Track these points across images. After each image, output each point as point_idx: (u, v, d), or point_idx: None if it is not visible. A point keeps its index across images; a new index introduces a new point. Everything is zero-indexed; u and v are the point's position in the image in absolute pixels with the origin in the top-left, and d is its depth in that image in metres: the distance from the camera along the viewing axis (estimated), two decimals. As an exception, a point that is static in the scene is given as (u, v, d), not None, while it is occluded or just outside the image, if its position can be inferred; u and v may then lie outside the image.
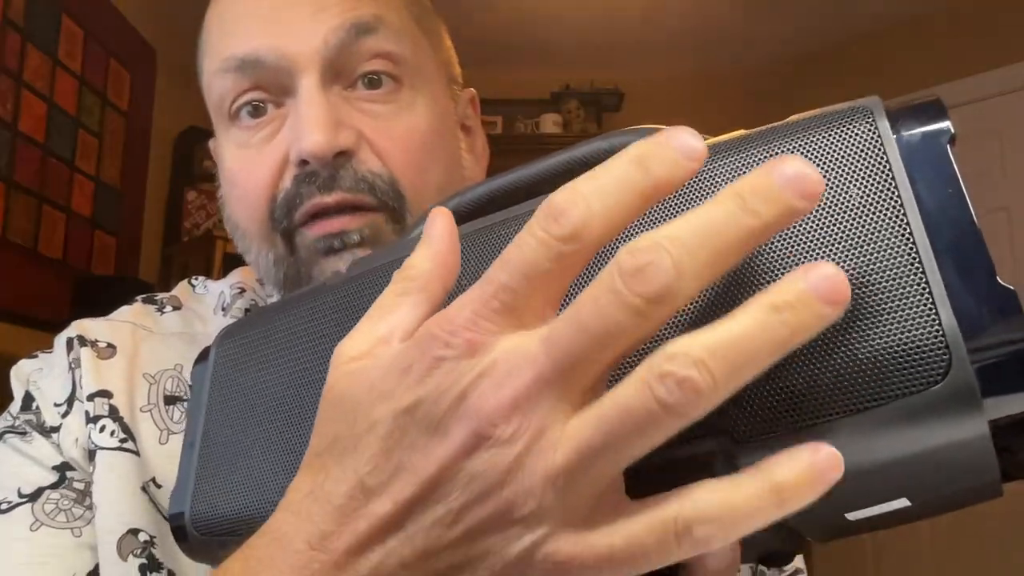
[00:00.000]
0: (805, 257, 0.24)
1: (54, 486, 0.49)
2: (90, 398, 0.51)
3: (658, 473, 0.23)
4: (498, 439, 0.22)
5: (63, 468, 0.50)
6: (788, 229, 0.25)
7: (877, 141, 0.25)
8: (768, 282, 0.24)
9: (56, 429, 0.51)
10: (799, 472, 0.21)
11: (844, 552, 2.62)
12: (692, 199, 0.27)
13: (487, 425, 0.22)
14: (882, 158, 0.24)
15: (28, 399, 0.52)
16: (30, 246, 2.09)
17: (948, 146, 0.24)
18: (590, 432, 0.21)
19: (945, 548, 2.50)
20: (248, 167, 0.50)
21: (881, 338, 0.22)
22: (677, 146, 0.22)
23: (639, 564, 0.22)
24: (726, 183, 0.26)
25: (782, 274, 0.23)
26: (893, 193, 0.24)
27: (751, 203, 0.21)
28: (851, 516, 0.26)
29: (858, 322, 0.23)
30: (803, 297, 0.20)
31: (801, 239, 0.24)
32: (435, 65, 0.54)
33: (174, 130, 2.92)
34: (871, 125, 0.25)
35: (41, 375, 0.53)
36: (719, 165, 0.27)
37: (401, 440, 0.23)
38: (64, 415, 0.51)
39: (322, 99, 0.47)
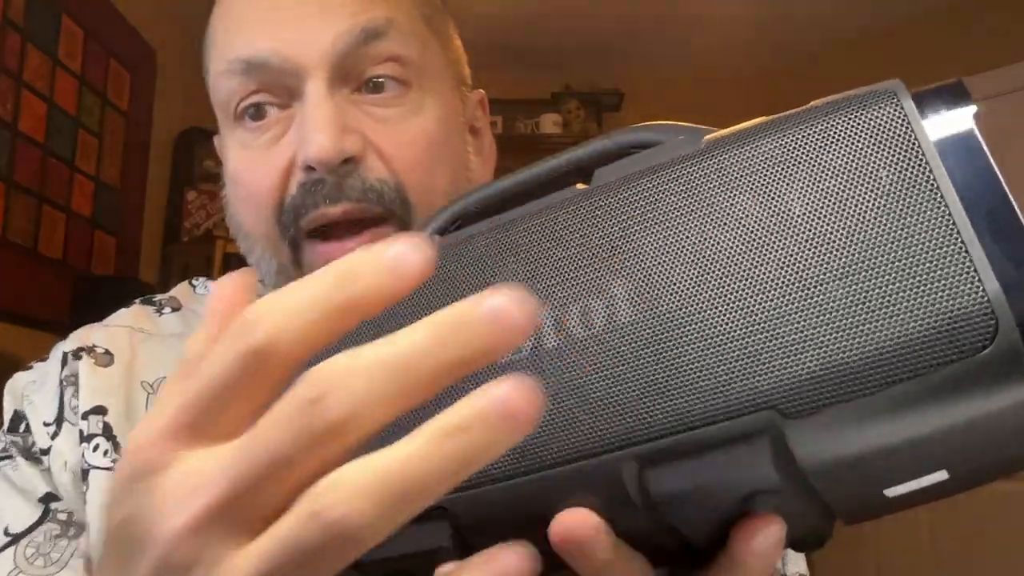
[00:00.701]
0: (839, 245, 0.25)
1: (37, 523, 0.48)
2: (85, 416, 0.50)
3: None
4: (177, 567, 0.21)
5: (47, 499, 0.49)
6: (819, 219, 0.25)
7: (904, 122, 0.25)
8: (809, 276, 0.25)
9: (46, 452, 0.50)
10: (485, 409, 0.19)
11: (844, 552, 2.62)
12: (716, 195, 0.27)
13: (165, 552, 0.21)
14: (911, 138, 0.25)
15: (17, 419, 0.52)
16: (30, 246, 2.09)
17: (974, 122, 0.25)
18: (255, 565, 0.20)
19: (945, 548, 2.50)
20: (253, 169, 0.49)
21: (925, 309, 0.23)
22: (388, 261, 0.20)
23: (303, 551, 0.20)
24: (748, 173, 0.27)
25: (820, 268, 0.24)
26: (926, 171, 0.25)
27: (449, 337, 0.19)
28: (890, 493, 0.26)
29: (900, 296, 0.23)
30: (482, 417, 0.18)
31: (834, 224, 0.25)
32: (444, 66, 0.54)
33: (174, 130, 2.92)
34: (897, 106, 0.26)
35: (35, 388, 0.53)
36: (740, 153, 0.27)
37: (116, 562, 0.23)
38: (53, 436, 0.50)
39: (329, 103, 0.46)
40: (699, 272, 0.26)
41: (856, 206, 0.25)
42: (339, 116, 0.46)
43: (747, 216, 0.26)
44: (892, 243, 0.24)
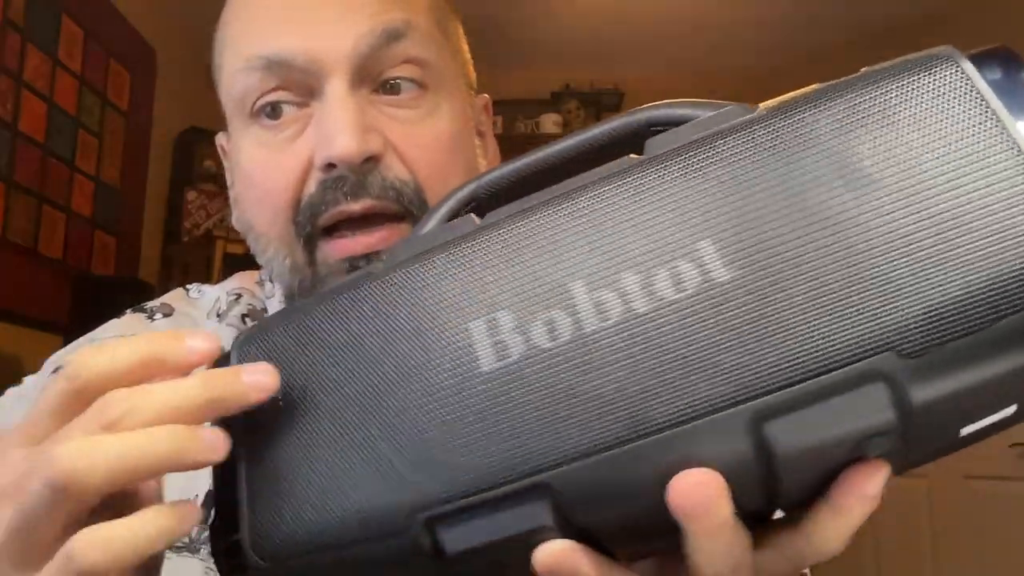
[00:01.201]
0: (933, 191, 0.26)
1: None
2: None
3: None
4: None
5: None
6: (901, 176, 0.27)
7: (967, 81, 0.27)
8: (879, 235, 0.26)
9: None
10: (172, 507, 0.28)
11: (844, 552, 2.61)
12: (794, 154, 0.28)
13: None
14: (977, 95, 0.27)
15: None
16: (30, 246, 2.09)
17: None
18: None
19: (945, 548, 2.51)
20: (269, 168, 0.49)
21: (1014, 252, 0.24)
22: (189, 343, 0.30)
23: None
24: (824, 132, 0.28)
25: (901, 223, 0.26)
26: (995, 123, 0.27)
27: (211, 384, 0.28)
28: (964, 431, 0.27)
29: (996, 237, 0.25)
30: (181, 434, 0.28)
31: (914, 179, 0.27)
32: (456, 70, 0.54)
33: (174, 130, 2.92)
34: (956, 67, 0.28)
35: (22, 404, 0.52)
36: (813, 114, 0.29)
37: None
38: None
39: (352, 103, 0.46)
40: (796, 226, 0.27)
41: (938, 157, 0.27)
42: (361, 115, 0.46)
43: (828, 171, 0.27)
44: (971, 193, 0.26)
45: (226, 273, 0.62)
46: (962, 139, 0.27)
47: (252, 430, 0.31)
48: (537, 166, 0.35)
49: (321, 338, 0.32)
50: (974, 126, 0.27)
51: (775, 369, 0.25)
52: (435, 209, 0.36)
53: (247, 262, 0.57)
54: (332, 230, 0.48)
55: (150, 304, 0.59)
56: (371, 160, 0.47)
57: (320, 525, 0.29)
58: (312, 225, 0.48)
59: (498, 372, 0.28)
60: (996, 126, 0.27)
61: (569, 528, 0.27)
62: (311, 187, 0.48)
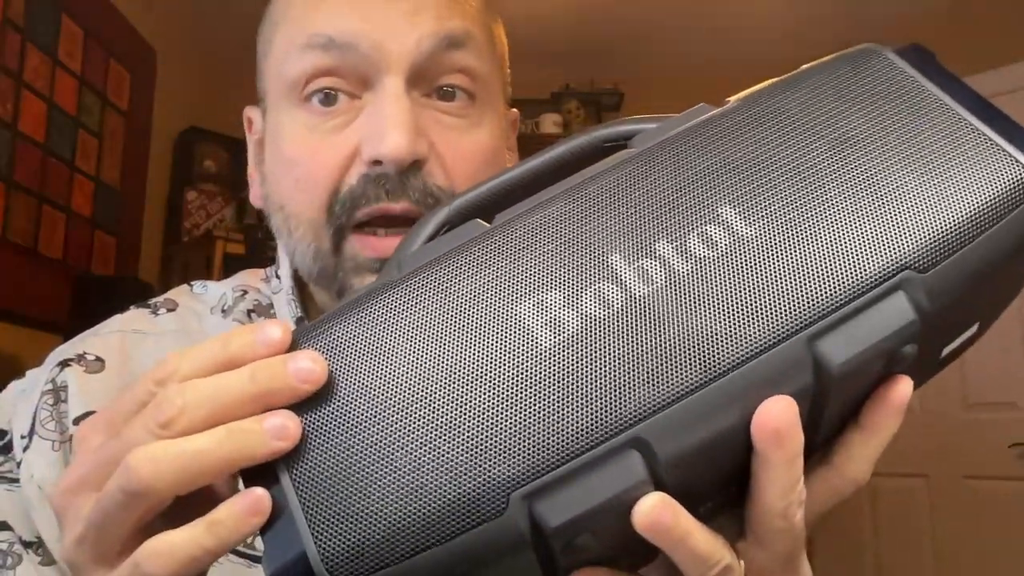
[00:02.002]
0: (892, 152, 0.33)
1: None
2: (76, 422, 0.50)
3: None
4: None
5: (1, 527, 0.48)
6: (879, 144, 0.33)
7: (894, 66, 0.35)
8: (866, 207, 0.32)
9: (20, 465, 0.50)
10: (229, 512, 0.28)
11: (844, 552, 2.62)
12: (775, 130, 0.34)
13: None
14: (909, 76, 0.35)
15: (0, 434, 0.51)
16: (30, 246, 2.09)
17: (938, 62, 0.36)
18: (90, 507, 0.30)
19: (945, 548, 2.51)
20: (314, 153, 0.49)
21: (980, 184, 0.32)
22: (261, 335, 0.30)
23: None
24: (800, 110, 0.34)
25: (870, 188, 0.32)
26: (931, 97, 0.34)
27: (258, 376, 0.29)
28: (944, 351, 0.33)
29: (947, 187, 0.32)
30: (258, 430, 0.28)
31: (888, 144, 0.33)
32: (499, 85, 0.55)
33: (174, 130, 2.92)
34: (884, 57, 0.35)
35: (24, 398, 0.52)
36: (784, 98, 0.34)
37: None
38: (25, 449, 0.50)
39: (407, 102, 0.47)
40: (800, 184, 0.32)
41: (898, 124, 0.33)
42: (413, 116, 0.47)
43: (815, 138, 0.33)
44: (933, 148, 0.33)
45: (226, 273, 0.62)
46: (909, 108, 0.34)
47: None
48: (513, 183, 0.37)
49: (372, 338, 0.31)
50: (914, 97, 0.34)
51: (815, 299, 0.29)
52: (417, 229, 0.36)
53: (247, 262, 0.57)
54: (364, 224, 0.48)
55: (154, 300, 0.59)
56: (416, 163, 0.47)
57: (401, 529, 0.27)
58: (348, 216, 0.48)
59: (559, 345, 0.29)
60: (931, 96, 0.34)
61: (661, 485, 0.28)
62: (352, 178, 0.48)
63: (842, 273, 0.30)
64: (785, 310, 0.29)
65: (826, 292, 0.29)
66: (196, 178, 2.95)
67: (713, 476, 0.30)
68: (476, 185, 0.37)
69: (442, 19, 0.48)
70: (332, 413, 0.29)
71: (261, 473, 0.28)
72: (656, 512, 0.27)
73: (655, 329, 0.29)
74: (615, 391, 0.28)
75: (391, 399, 0.29)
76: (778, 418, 0.27)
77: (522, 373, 0.29)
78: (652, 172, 0.33)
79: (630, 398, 0.28)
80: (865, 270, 0.30)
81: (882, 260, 0.30)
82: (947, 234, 0.31)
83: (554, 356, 0.29)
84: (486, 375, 0.29)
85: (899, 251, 0.30)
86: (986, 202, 0.31)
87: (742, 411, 0.28)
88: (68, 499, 0.31)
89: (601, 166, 0.34)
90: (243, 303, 0.58)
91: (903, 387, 0.31)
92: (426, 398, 0.29)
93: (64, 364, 0.52)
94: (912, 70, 0.34)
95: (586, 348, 0.29)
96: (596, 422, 0.28)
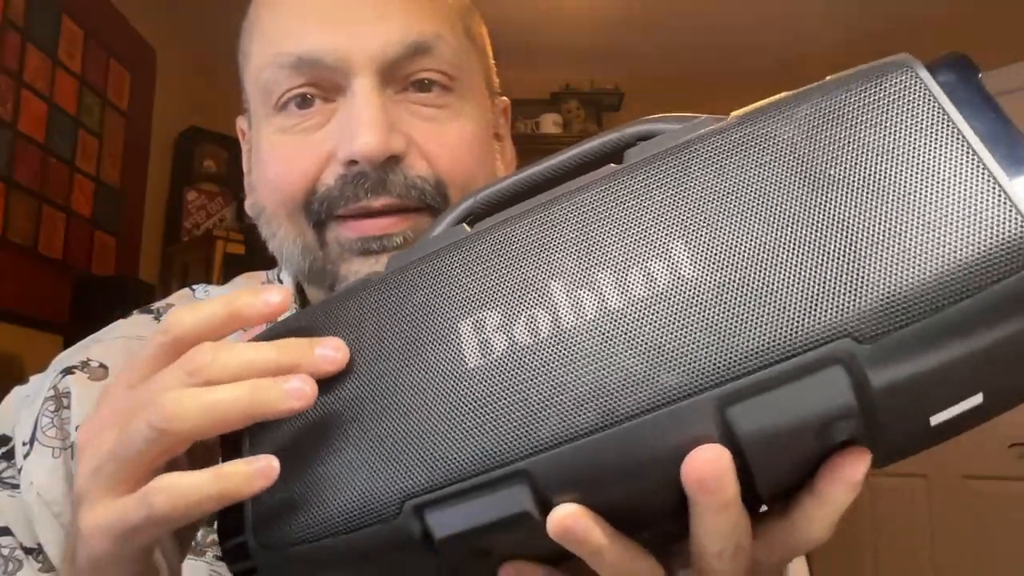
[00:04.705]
0: (889, 189, 0.28)
1: None
2: (78, 429, 0.50)
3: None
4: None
5: (1, 533, 0.48)
6: (859, 176, 0.28)
7: (922, 85, 0.29)
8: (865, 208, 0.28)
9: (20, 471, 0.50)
10: (239, 469, 0.30)
11: (844, 552, 2.62)
12: (761, 157, 0.30)
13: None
14: (931, 98, 0.29)
15: (3, 442, 0.51)
16: (30, 246, 2.09)
17: (980, 79, 0.29)
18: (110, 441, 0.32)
19: (945, 548, 2.51)
20: (288, 153, 0.50)
21: (964, 242, 0.26)
22: (263, 296, 0.33)
23: (131, 524, 0.30)
24: (788, 136, 0.30)
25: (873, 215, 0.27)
26: (948, 124, 0.28)
27: (285, 352, 0.32)
28: (934, 420, 0.28)
29: (930, 235, 0.26)
30: (279, 387, 0.31)
31: (870, 177, 0.28)
32: (480, 75, 0.55)
33: (174, 130, 2.92)
34: (912, 74, 0.30)
35: (27, 403, 0.52)
36: (777, 120, 0.31)
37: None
38: (26, 456, 0.50)
39: (377, 100, 0.47)
40: (759, 226, 0.29)
41: (892, 156, 0.28)
42: (385, 113, 0.47)
43: (790, 172, 0.29)
44: (931, 187, 0.27)
45: (226, 273, 0.62)
46: (914, 139, 0.28)
47: (257, 428, 0.33)
48: (533, 180, 0.37)
49: (336, 333, 0.34)
50: (926, 126, 0.28)
51: (736, 357, 0.27)
52: (436, 223, 0.38)
53: (247, 262, 0.57)
54: (348, 221, 0.48)
55: (157, 304, 0.59)
56: (393, 159, 0.47)
57: (317, 515, 0.31)
58: (327, 213, 0.48)
59: (482, 368, 0.30)
60: (949, 127, 0.28)
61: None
62: (329, 179, 0.48)
63: (770, 333, 0.26)
64: (699, 365, 0.27)
65: (745, 351, 0.27)
66: (196, 178, 2.94)
67: (644, 507, 0.29)
68: (501, 178, 0.38)
69: (408, 25, 0.48)
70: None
71: (231, 451, 0.34)
72: (568, 522, 0.27)
73: (570, 364, 0.29)
74: (516, 421, 0.29)
75: (329, 397, 0.33)
76: (704, 467, 0.26)
77: (441, 391, 0.31)
78: (620, 195, 0.32)
79: (528, 430, 0.28)
80: (794, 333, 0.26)
81: (816, 323, 0.26)
82: (901, 298, 0.26)
83: (474, 379, 0.30)
84: (409, 387, 0.31)
85: (839, 314, 0.26)
86: (965, 263, 0.25)
87: (644, 456, 0.27)
88: (92, 434, 0.33)
89: (580, 181, 0.33)
90: None
91: (858, 463, 0.28)
92: (355, 400, 0.32)
93: (68, 371, 0.52)
94: (938, 90, 0.29)
95: (503, 375, 0.30)
96: (492, 448, 0.29)
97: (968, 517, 2.45)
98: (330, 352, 0.33)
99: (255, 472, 0.30)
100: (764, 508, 0.31)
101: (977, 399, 0.28)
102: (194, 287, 0.62)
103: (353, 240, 0.48)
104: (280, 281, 0.59)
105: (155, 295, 2.35)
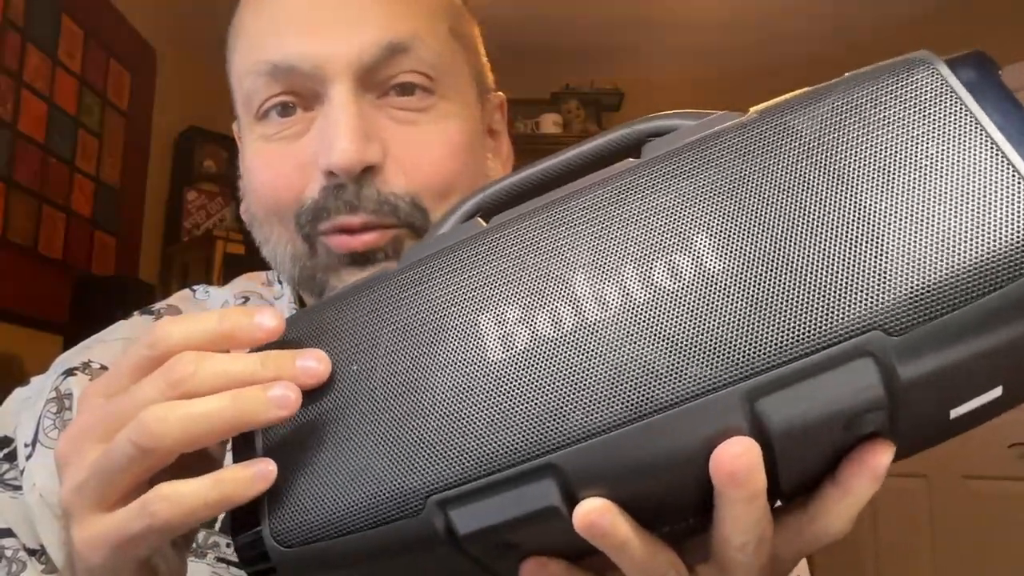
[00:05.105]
0: (902, 188, 0.28)
1: None
2: (59, 439, 0.50)
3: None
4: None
5: (4, 534, 0.48)
6: (884, 170, 0.28)
7: (943, 82, 0.29)
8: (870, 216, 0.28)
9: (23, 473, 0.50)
10: (238, 474, 0.30)
11: (844, 552, 2.62)
12: (784, 151, 0.30)
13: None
14: (952, 95, 0.29)
15: (5, 443, 0.51)
16: (30, 246, 2.09)
17: (999, 75, 0.30)
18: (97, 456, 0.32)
19: (945, 548, 2.51)
20: (271, 162, 0.49)
21: (992, 235, 0.26)
22: (257, 319, 0.32)
23: (131, 535, 0.30)
24: (811, 130, 0.30)
25: (891, 211, 0.28)
26: (971, 119, 0.28)
27: (268, 364, 0.31)
28: (954, 413, 0.29)
29: (958, 228, 0.26)
30: (263, 396, 0.31)
31: (897, 170, 0.28)
32: (468, 74, 0.54)
33: (174, 130, 2.92)
34: (933, 70, 0.30)
35: (28, 405, 0.52)
36: (800, 114, 0.31)
37: None
38: (28, 457, 0.50)
39: (354, 109, 0.46)
40: (784, 219, 0.29)
41: (918, 150, 0.28)
42: (363, 123, 0.46)
43: (813, 167, 0.29)
44: (953, 183, 0.27)
45: (226, 273, 0.62)
46: (937, 134, 0.28)
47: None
48: (542, 176, 0.36)
49: (339, 334, 0.34)
50: (949, 122, 0.29)
51: (765, 349, 0.27)
52: (444, 218, 0.37)
53: (247, 262, 0.57)
54: (334, 235, 0.48)
55: (157, 306, 0.59)
56: (368, 171, 0.46)
57: (337, 510, 0.30)
58: (312, 228, 0.48)
59: (505, 361, 0.30)
60: (969, 121, 0.28)
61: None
62: (314, 192, 0.48)
63: (799, 325, 0.27)
64: (729, 357, 0.27)
65: (775, 344, 0.27)
66: (196, 178, 2.94)
67: (668, 501, 0.29)
68: (510, 175, 0.37)
69: (384, 28, 0.48)
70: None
71: (244, 449, 0.33)
72: (594, 516, 0.27)
73: (596, 357, 0.28)
74: (543, 415, 0.28)
75: (347, 393, 0.32)
76: (735, 461, 0.26)
77: (464, 385, 0.30)
78: (642, 189, 0.31)
79: (555, 424, 0.28)
80: (823, 326, 0.26)
81: (846, 316, 0.26)
82: (930, 292, 0.26)
83: (497, 372, 0.30)
84: (431, 381, 0.31)
85: (868, 307, 0.26)
86: (992, 257, 0.26)
87: (673, 449, 0.27)
88: (72, 447, 0.32)
89: (600, 175, 0.33)
90: None
91: (882, 455, 0.28)
92: (376, 395, 0.32)
93: (69, 372, 0.52)
94: (961, 88, 0.29)
95: (528, 368, 0.29)
96: (518, 443, 0.28)
97: (968, 517, 2.45)
98: (311, 363, 0.32)
99: (253, 476, 0.30)
100: (779, 503, 0.31)
101: (997, 392, 0.28)
102: (195, 288, 0.61)
103: (344, 256, 0.48)
104: (280, 283, 0.59)
105: (155, 295, 2.35)
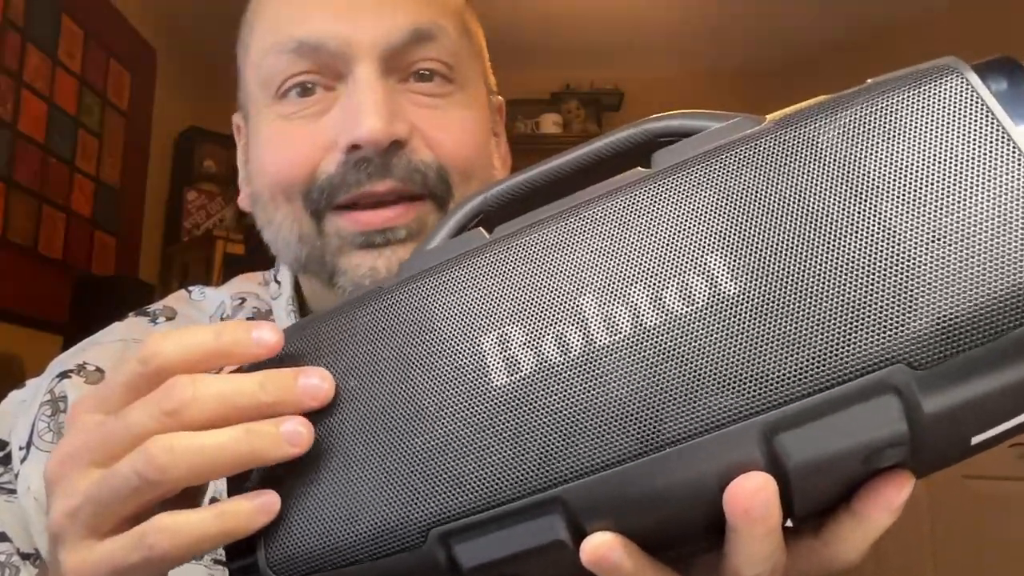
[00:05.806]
0: (928, 210, 0.26)
1: None
2: (48, 458, 0.50)
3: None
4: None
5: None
6: (908, 188, 0.27)
7: (972, 91, 0.27)
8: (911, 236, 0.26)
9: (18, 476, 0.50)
10: (241, 507, 0.29)
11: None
12: (802, 165, 0.28)
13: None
14: (982, 105, 0.27)
15: (0, 447, 0.51)
16: (30, 246, 2.09)
17: None
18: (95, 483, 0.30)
19: (945, 548, 2.50)
20: (289, 139, 0.49)
21: (1015, 265, 0.24)
22: (256, 335, 0.31)
23: (126, 566, 0.29)
24: (831, 143, 0.28)
25: (910, 230, 0.26)
26: (1001, 133, 0.26)
27: (268, 386, 0.30)
28: (975, 439, 0.27)
29: (987, 256, 0.25)
30: (273, 433, 0.29)
31: (922, 190, 0.26)
32: (478, 73, 0.55)
33: (174, 130, 2.92)
34: (961, 78, 0.28)
35: (24, 408, 0.52)
36: (818, 125, 0.29)
37: None
38: (23, 460, 0.50)
39: (380, 86, 0.47)
40: (802, 239, 0.27)
41: (944, 168, 0.26)
42: (389, 99, 0.47)
43: (836, 183, 0.27)
44: (985, 197, 0.25)
45: (226, 273, 0.62)
46: (968, 150, 0.26)
47: None
48: (545, 177, 0.35)
49: (332, 353, 0.32)
50: (980, 137, 0.27)
51: (784, 382, 0.25)
52: (443, 222, 0.36)
53: (247, 262, 0.57)
54: (346, 206, 0.48)
55: (152, 307, 0.59)
56: (396, 144, 0.47)
57: (336, 541, 0.29)
58: (327, 201, 0.48)
59: (510, 387, 0.28)
60: (1002, 136, 0.26)
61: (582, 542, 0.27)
62: (329, 167, 0.48)
63: (819, 356, 0.25)
64: (745, 389, 0.25)
65: (793, 375, 0.25)
66: (196, 178, 2.94)
67: (676, 531, 0.28)
68: (513, 175, 0.36)
69: (411, 14, 0.49)
70: None
71: (239, 476, 0.31)
72: (602, 551, 0.26)
73: (605, 385, 0.27)
74: (549, 445, 0.27)
75: (346, 415, 0.30)
76: (751, 497, 0.25)
77: (467, 412, 0.29)
78: (653, 203, 0.29)
79: (562, 457, 0.27)
80: (845, 357, 0.25)
81: (869, 347, 0.25)
82: (959, 323, 0.24)
83: (501, 399, 0.28)
84: (432, 409, 0.29)
85: (892, 338, 0.24)
86: (1018, 291, 0.24)
87: (685, 484, 0.26)
88: (64, 469, 0.31)
89: (608, 185, 0.31)
90: (242, 312, 0.58)
91: (902, 487, 0.27)
92: (376, 419, 0.30)
93: (64, 375, 0.52)
94: (990, 97, 0.27)
95: (532, 396, 0.28)
96: (524, 475, 0.27)
97: (968, 517, 2.45)
98: (314, 382, 0.31)
99: (257, 509, 0.29)
100: (789, 523, 0.30)
101: (1021, 418, 0.27)
102: (191, 288, 0.61)
103: (355, 234, 0.47)
104: (278, 282, 0.59)
105: (155, 295, 2.34)
